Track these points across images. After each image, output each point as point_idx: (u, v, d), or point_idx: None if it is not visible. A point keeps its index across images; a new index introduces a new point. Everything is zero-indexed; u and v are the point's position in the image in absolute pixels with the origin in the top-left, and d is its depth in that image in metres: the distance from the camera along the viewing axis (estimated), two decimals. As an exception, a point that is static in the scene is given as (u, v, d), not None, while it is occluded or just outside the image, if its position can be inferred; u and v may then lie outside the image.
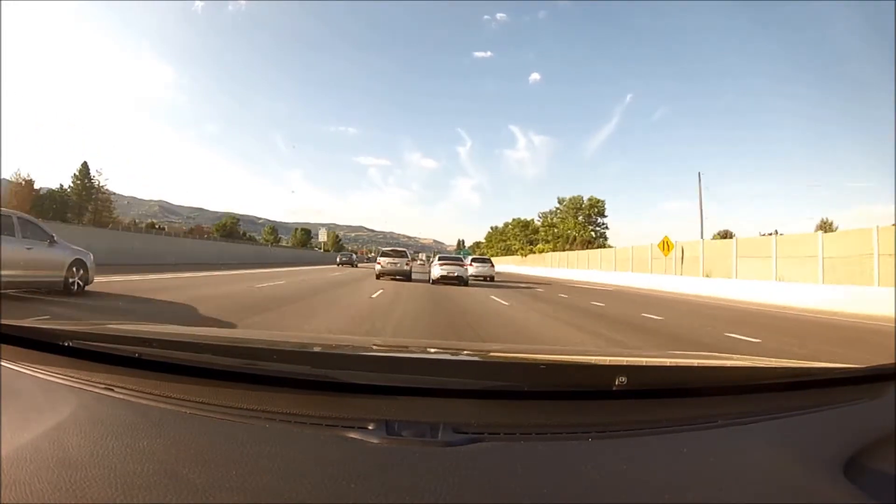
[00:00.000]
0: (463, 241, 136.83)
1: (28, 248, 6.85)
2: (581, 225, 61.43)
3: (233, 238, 79.70)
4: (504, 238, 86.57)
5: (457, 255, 22.24)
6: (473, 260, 22.56)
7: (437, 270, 16.91)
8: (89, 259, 8.15)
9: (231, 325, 5.33)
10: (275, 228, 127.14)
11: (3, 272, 6.37)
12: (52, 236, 7.45)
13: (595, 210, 62.72)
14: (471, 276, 19.74)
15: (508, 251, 76.43)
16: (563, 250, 50.00)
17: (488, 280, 21.60)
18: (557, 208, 67.62)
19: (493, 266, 22.50)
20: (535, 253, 60.87)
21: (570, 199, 64.89)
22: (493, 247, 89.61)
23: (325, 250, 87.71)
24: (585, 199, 63.46)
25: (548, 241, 63.77)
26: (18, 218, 6.98)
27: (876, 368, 1.01)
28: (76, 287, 7.72)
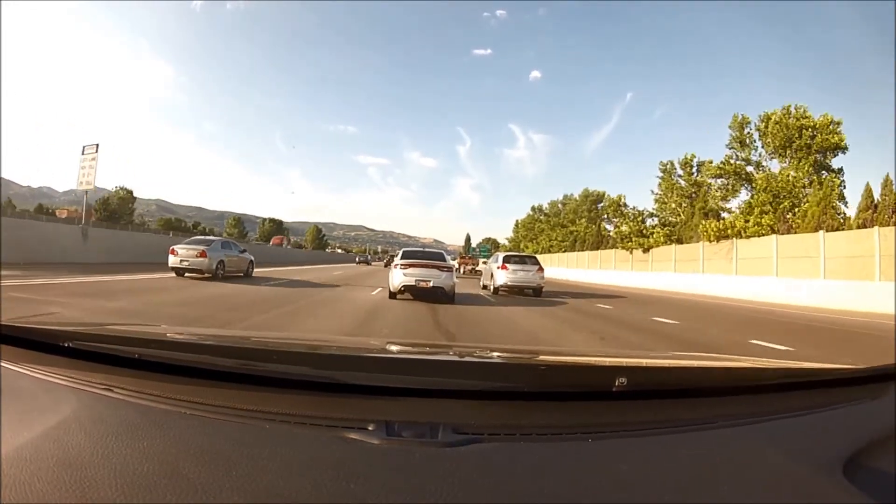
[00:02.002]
0: (469, 237, 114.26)
1: (236, 256, 14.14)
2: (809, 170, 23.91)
3: (117, 220, 54.44)
4: (563, 222, 50.76)
5: (436, 251, 12.73)
6: (508, 260, 13.44)
7: (398, 277, 9.57)
8: (253, 259, 15.47)
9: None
10: (240, 220, 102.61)
11: (229, 268, 13.32)
12: (244, 249, 15.33)
13: (831, 141, 24.15)
14: (502, 286, 12.94)
15: (583, 243, 41.20)
16: (831, 228, 17.81)
17: (530, 292, 13.13)
18: (741, 139, 27.10)
19: (541, 269, 13.62)
20: (676, 242, 27.15)
21: (779, 116, 25.19)
22: (536, 239, 55.17)
23: (299, 247, 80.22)
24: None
25: (741, 213, 24.60)
26: (232, 242, 15.62)
27: (876, 369, 1.01)
28: (249, 274, 14.67)
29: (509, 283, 13.05)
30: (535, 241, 55.47)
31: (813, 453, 0.73)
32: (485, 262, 18.85)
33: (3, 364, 0.85)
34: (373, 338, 4.86)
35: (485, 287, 14.64)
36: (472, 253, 50.75)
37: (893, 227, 13.84)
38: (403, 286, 9.57)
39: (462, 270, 32.64)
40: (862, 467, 0.70)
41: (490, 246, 60.86)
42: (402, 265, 9.77)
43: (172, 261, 12.53)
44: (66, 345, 0.88)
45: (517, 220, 69.13)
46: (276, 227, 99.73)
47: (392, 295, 9.84)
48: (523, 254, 18.23)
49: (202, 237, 14.95)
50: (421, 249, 11.40)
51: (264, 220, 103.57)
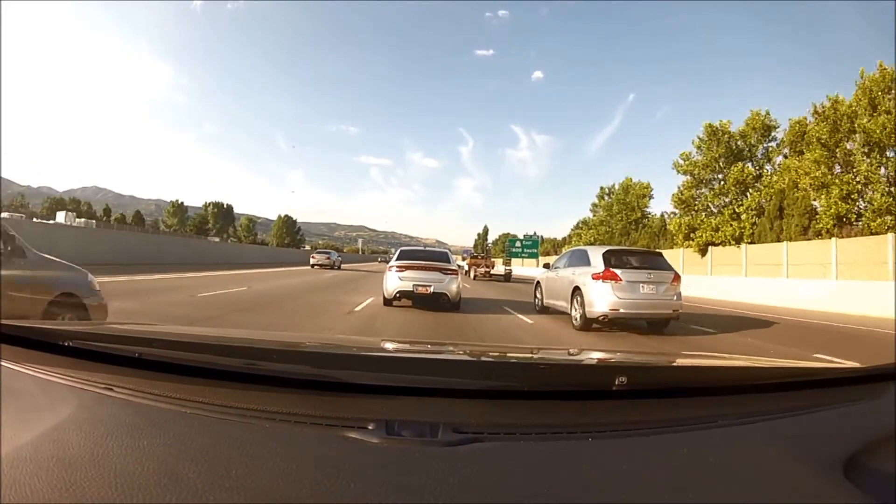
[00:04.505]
0: (487, 229, 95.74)
1: (338, 258, 33.12)
2: None
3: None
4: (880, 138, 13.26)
5: (439, 250, 10.07)
6: (612, 261, 6.65)
7: (392, 281, 7.98)
8: (342, 259, 35.89)
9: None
10: (182, 205, 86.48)
11: (335, 264, 31.07)
12: (334, 254, 34.76)
13: None
14: (608, 313, 6.37)
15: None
16: None
17: (643, 324, 7.13)
18: None
19: (678, 279, 6.86)
20: None
21: None
22: (729, 211, 21.87)
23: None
24: None
25: None
26: (334, 251, 39.56)
27: (876, 368, 1.02)
28: (339, 268, 30.52)
29: (623, 311, 6.44)
30: (722, 215, 22.66)
31: (813, 453, 0.73)
32: (546, 266, 9.41)
33: (3, 364, 0.84)
34: (373, 337, 4.86)
35: (545, 309, 8.67)
36: (511, 252, 36.06)
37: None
38: (399, 292, 7.92)
39: (473, 274, 25.66)
40: (862, 467, 0.70)
41: (537, 240, 37.67)
42: (397, 267, 8.08)
43: (312, 261, 29.35)
44: (67, 344, 0.88)
45: (603, 189, 39.27)
46: (225, 213, 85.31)
47: (387, 302, 8.09)
48: (641, 249, 10.89)
49: (323, 249, 35.89)
50: (421, 249, 10.01)
51: (208, 204, 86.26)
